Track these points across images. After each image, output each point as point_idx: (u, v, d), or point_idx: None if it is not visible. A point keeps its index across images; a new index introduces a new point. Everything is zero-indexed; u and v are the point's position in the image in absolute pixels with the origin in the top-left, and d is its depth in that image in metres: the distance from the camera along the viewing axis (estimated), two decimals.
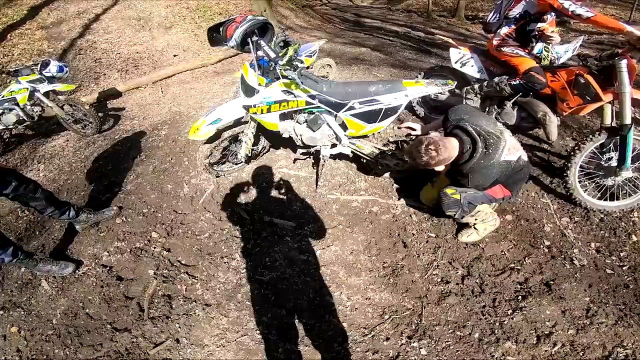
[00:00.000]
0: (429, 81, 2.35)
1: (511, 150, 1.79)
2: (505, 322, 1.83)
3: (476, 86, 2.91)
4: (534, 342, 1.73)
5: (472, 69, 2.95)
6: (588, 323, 1.79)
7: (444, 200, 2.04)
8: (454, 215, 2.08)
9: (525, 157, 1.89)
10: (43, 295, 2.12)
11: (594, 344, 1.70)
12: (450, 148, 1.77)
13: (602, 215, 2.39)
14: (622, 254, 2.14)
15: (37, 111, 3.67)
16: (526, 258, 2.16)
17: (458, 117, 1.90)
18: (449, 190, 2.02)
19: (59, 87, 3.67)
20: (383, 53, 6.54)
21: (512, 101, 2.77)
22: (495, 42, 2.75)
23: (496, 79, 2.74)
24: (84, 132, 3.87)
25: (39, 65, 3.63)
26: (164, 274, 2.20)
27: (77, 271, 2.24)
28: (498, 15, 2.71)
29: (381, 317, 1.94)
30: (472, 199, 1.99)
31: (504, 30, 2.68)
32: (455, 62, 2.99)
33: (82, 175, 3.20)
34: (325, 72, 4.56)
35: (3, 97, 3.44)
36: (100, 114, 4.14)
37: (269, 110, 2.32)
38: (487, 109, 2.95)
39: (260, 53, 2.18)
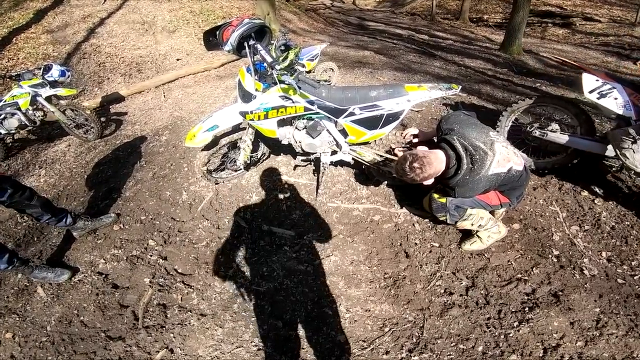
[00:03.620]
0: (432, 85, 2.29)
1: (501, 162, 1.75)
2: (511, 335, 1.76)
3: (632, 130, 2.23)
4: (541, 355, 1.67)
5: (614, 102, 2.31)
6: (597, 334, 1.72)
7: (432, 204, 2.08)
8: (444, 219, 2.07)
9: (518, 167, 1.83)
10: (38, 302, 2.11)
11: (603, 355, 1.63)
12: (436, 163, 1.76)
13: (613, 224, 2.31)
14: (633, 263, 2.06)
15: (39, 116, 3.69)
16: (534, 268, 2.09)
17: (449, 126, 1.87)
18: (435, 195, 2.05)
19: (60, 91, 3.67)
20: (386, 56, 6.50)
21: None
22: None
23: None
24: (85, 137, 3.87)
25: (41, 70, 3.65)
26: (160, 283, 2.16)
27: (73, 278, 2.22)
28: None
29: (381, 330, 1.88)
30: (460, 202, 1.97)
31: None
32: (591, 92, 2.38)
33: (82, 181, 3.20)
34: (328, 75, 4.52)
35: (5, 101, 3.46)
36: (102, 119, 4.15)
37: (266, 117, 2.27)
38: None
39: (257, 57, 2.14)
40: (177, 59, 6.21)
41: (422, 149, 1.86)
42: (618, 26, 10.62)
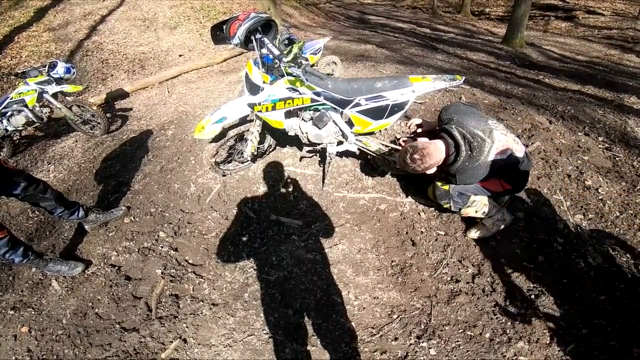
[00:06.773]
0: (436, 77, 2.30)
1: (500, 149, 1.79)
2: (518, 322, 1.79)
3: None
4: (548, 342, 1.70)
5: None
6: (603, 322, 1.74)
7: (435, 191, 2.12)
8: (448, 206, 2.11)
9: (518, 154, 1.86)
10: (53, 295, 2.14)
11: (609, 343, 1.65)
12: (436, 153, 1.82)
13: (617, 213, 2.32)
14: (637, 251, 2.07)
15: (46, 112, 3.70)
16: (539, 256, 2.11)
17: (449, 116, 1.92)
18: (439, 182, 2.09)
19: (66, 88, 3.69)
20: (389, 50, 6.48)
21: None
22: None
23: None
24: (92, 132, 3.90)
25: (47, 67, 3.65)
26: (172, 274, 2.20)
27: (86, 271, 2.25)
28: None
29: (389, 317, 1.91)
30: (462, 189, 2.01)
31: None
32: None
33: (91, 176, 3.23)
34: (331, 69, 4.53)
35: (12, 99, 3.48)
36: (108, 115, 4.17)
37: (274, 108, 2.30)
38: None
39: (264, 51, 2.15)
40: (180, 55, 6.20)
41: (422, 141, 1.90)
42: (621, 19, 10.56)
